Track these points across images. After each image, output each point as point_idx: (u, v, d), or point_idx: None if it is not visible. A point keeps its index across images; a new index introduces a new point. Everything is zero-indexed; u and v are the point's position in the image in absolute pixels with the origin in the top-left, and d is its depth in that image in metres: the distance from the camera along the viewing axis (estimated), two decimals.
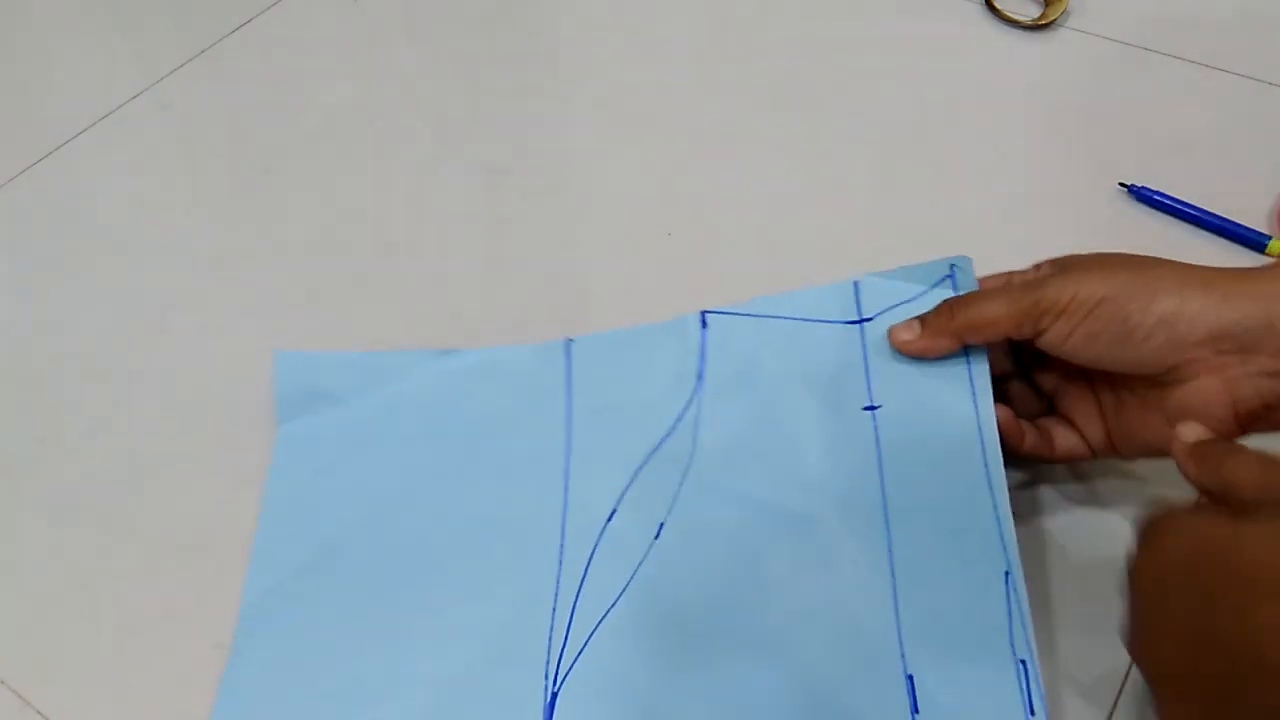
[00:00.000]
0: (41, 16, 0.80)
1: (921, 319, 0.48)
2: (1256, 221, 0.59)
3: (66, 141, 0.70)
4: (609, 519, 0.47)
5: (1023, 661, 0.41)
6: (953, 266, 0.50)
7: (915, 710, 0.41)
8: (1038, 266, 0.48)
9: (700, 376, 0.50)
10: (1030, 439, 0.47)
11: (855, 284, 0.51)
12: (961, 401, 0.46)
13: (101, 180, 0.68)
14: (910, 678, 0.42)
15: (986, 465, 0.45)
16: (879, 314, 0.49)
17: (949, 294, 0.49)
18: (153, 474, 0.53)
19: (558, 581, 0.46)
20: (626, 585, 0.45)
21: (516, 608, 0.46)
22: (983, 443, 0.45)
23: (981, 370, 0.47)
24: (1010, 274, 0.49)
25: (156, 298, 0.61)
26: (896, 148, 0.66)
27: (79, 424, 0.55)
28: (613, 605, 0.45)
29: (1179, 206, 0.60)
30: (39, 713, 0.45)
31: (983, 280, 0.49)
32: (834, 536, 0.45)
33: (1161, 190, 0.61)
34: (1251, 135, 0.65)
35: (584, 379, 0.52)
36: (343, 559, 0.48)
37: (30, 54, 0.77)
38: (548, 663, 0.44)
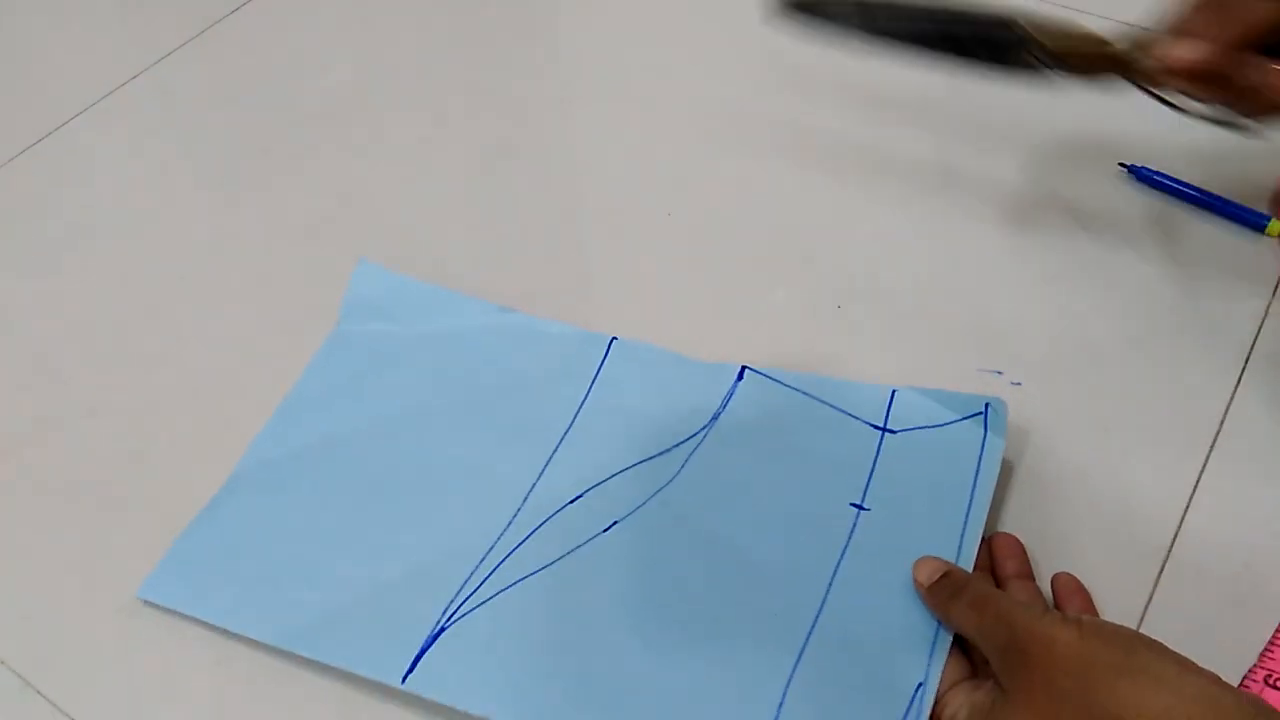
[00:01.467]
0: None
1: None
2: (1257, 203, 0.59)
3: (65, 122, 0.70)
4: (571, 500, 0.49)
5: None
6: (987, 405, 0.50)
7: None
8: None
9: (714, 418, 0.52)
10: None
11: (893, 392, 0.51)
12: (948, 538, 0.46)
13: (100, 161, 0.68)
14: None
15: None
16: (903, 430, 0.50)
17: (978, 430, 0.49)
18: (152, 455, 0.53)
19: (499, 536, 0.48)
20: (552, 562, 0.47)
21: (452, 543, 0.48)
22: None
23: (978, 516, 0.47)
24: None
25: (155, 279, 0.61)
26: (897, 127, 0.66)
27: (78, 405, 0.55)
28: (531, 574, 0.47)
29: (1179, 187, 0.60)
30: (39, 693, 0.46)
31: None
32: (762, 595, 0.46)
33: (1162, 170, 0.60)
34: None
35: (610, 376, 0.54)
36: (331, 454, 0.52)
37: (29, 35, 0.77)
38: (451, 601, 0.46)
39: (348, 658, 0.45)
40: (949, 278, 0.58)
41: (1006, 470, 0.49)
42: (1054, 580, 0.46)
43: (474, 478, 0.51)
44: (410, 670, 0.44)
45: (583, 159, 0.66)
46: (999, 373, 0.53)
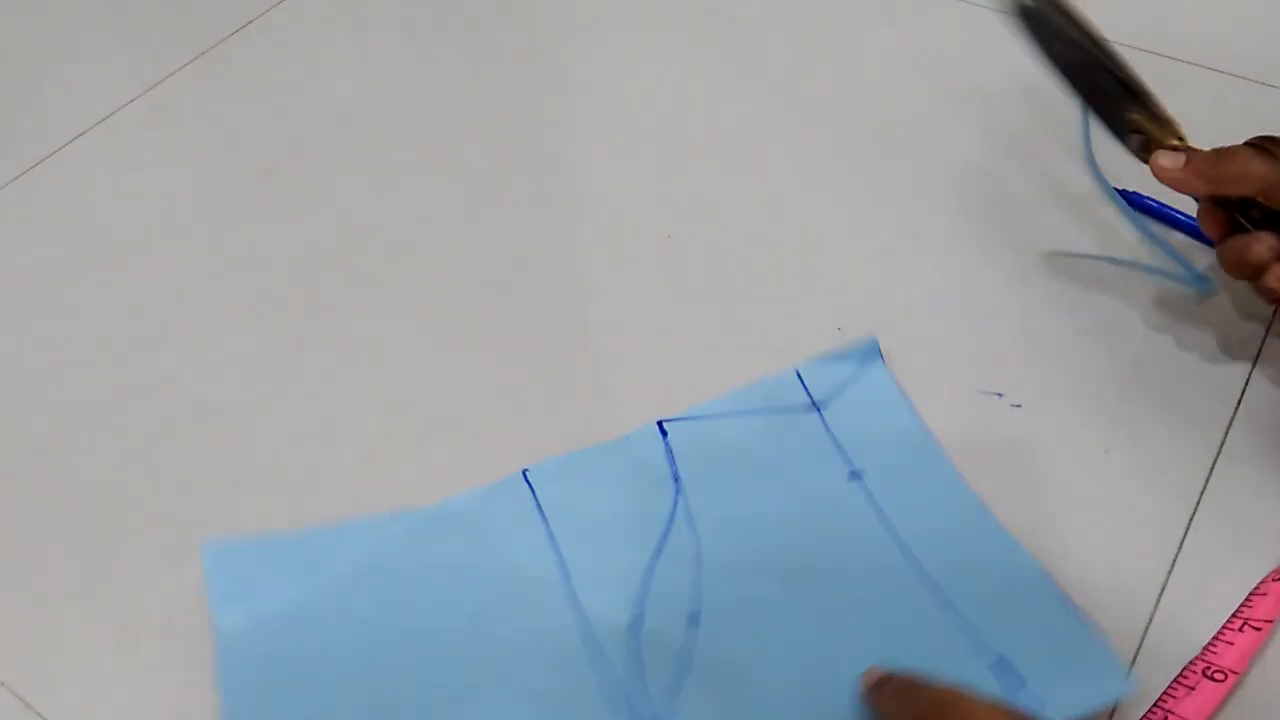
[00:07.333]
0: (41, 18, 0.80)
1: (1187, 152, 0.52)
2: None
3: (66, 144, 0.70)
4: (639, 624, 0.46)
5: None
6: (870, 344, 0.55)
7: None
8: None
9: (676, 478, 0.51)
10: None
11: (797, 373, 0.54)
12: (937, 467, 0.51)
13: (102, 183, 0.68)
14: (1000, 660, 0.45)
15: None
16: (834, 400, 0.53)
17: (879, 373, 0.54)
18: (152, 476, 0.53)
19: (614, 697, 0.44)
20: (686, 676, 0.45)
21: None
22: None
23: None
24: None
25: (157, 301, 0.61)
26: (895, 148, 0.66)
27: (78, 426, 0.55)
28: (679, 692, 0.44)
29: (1172, 213, 0.60)
30: (39, 714, 0.46)
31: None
32: (861, 586, 0.47)
33: (1153, 195, 0.61)
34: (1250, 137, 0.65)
35: (554, 503, 0.50)
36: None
37: (30, 56, 0.77)
38: None
39: None
40: (948, 300, 0.58)
41: (1005, 492, 0.49)
42: None
43: (521, 665, 0.45)
44: None
45: (582, 181, 0.66)
46: (999, 394, 0.54)
